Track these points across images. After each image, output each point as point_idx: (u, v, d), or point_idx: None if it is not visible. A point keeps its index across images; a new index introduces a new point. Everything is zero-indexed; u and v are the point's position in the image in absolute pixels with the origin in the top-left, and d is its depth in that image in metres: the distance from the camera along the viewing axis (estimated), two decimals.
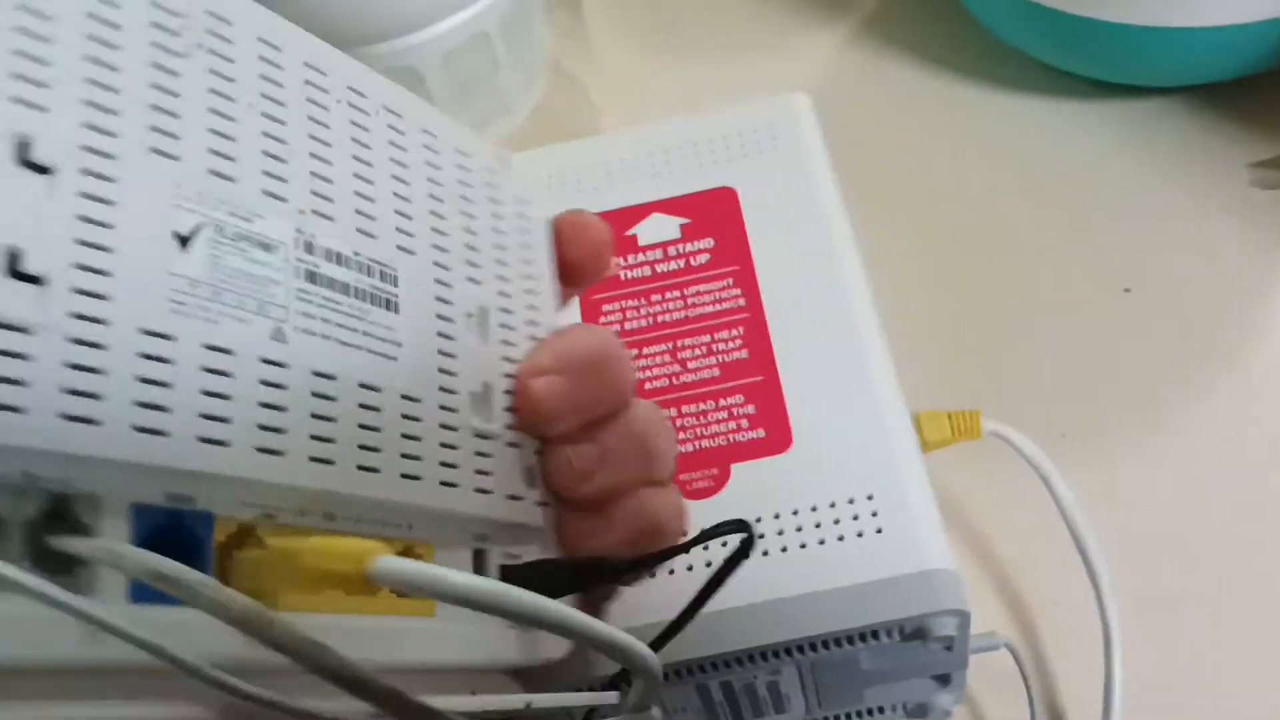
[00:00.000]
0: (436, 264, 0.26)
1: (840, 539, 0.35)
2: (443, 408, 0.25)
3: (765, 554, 0.35)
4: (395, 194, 0.25)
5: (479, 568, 0.26)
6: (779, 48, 0.59)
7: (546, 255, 0.30)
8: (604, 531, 0.28)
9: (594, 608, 0.31)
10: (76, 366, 0.19)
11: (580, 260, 0.30)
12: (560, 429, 0.27)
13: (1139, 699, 0.39)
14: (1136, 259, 0.50)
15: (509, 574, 0.27)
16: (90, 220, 0.20)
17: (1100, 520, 0.41)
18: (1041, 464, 0.40)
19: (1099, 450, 0.45)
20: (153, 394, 0.20)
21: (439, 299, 0.26)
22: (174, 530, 0.21)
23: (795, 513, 0.35)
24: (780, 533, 0.35)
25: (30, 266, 0.19)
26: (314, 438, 0.23)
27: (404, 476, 0.24)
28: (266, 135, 0.23)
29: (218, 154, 0.22)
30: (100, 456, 0.19)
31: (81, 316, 0.19)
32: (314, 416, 0.23)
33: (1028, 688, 0.40)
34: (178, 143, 0.21)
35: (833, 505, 0.35)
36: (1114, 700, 0.39)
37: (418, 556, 0.25)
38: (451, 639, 0.25)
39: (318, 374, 0.23)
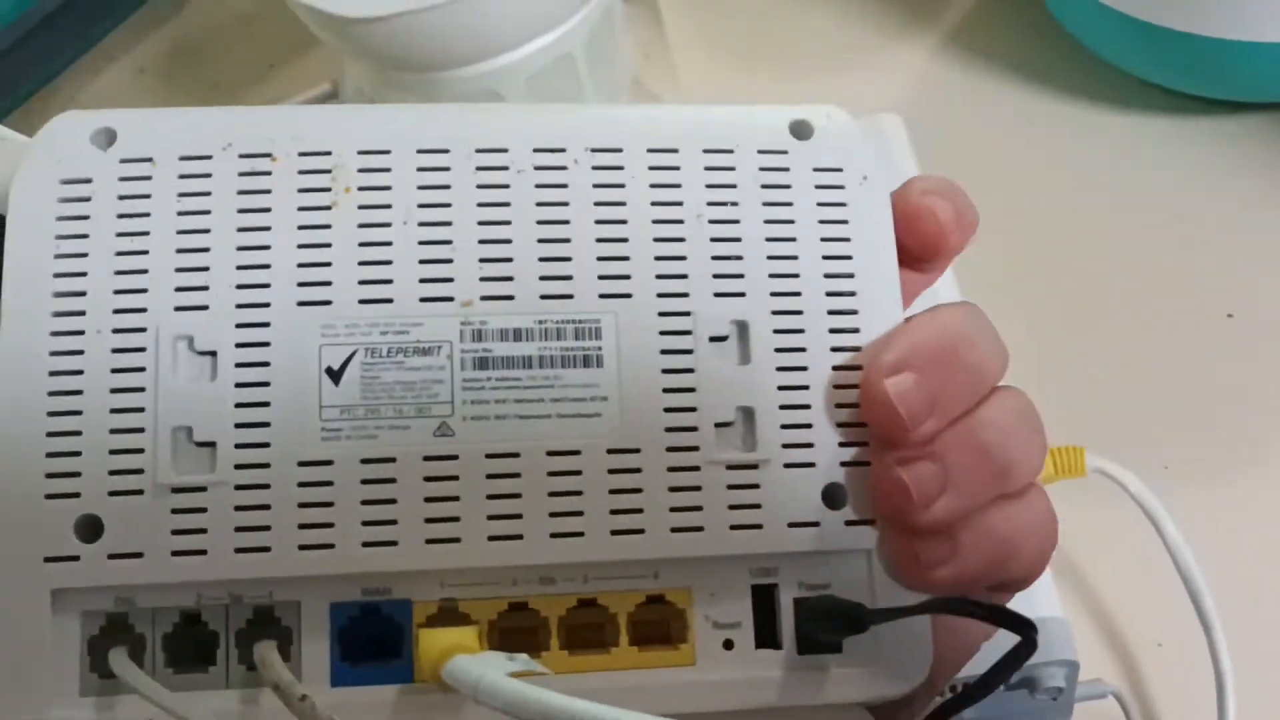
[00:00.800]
0: (662, 295, 0.24)
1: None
2: (672, 449, 0.24)
3: None
4: (600, 240, 0.24)
5: (764, 605, 0.24)
6: (864, 63, 0.58)
7: (877, 234, 0.26)
8: (945, 561, 0.24)
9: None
10: (244, 507, 0.23)
11: (912, 250, 0.26)
12: (922, 433, 0.24)
13: None
14: (1240, 283, 0.48)
15: (801, 609, 0.24)
16: (246, 384, 0.23)
17: (1207, 556, 0.39)
18: (1149, 503, 0.38)
19: (1204, 482, 0.44)
20: (316, 515, 0.23)
21: (666, 332, 0.24)
22: (373, 619, 0.23)
23: None
24: None
25: (199, 437, 0.23)
26: (493, 517, 0.23)
27: (617, 533, 0.23)
28: (425, 243, 0.24)
29: (369, 282, 0.24)
30: (273, 577, 0.23)
31: (245, 466, 0.23)
32: (492, 497, 0.23)
33: None
34: (327, 288, 0.24)
35: None
36: None
37: (669, 606, 0.24)
38: (715, 688, 0.24)
39: (493, 455, 0.23)
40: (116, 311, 0.23)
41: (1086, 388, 0.47)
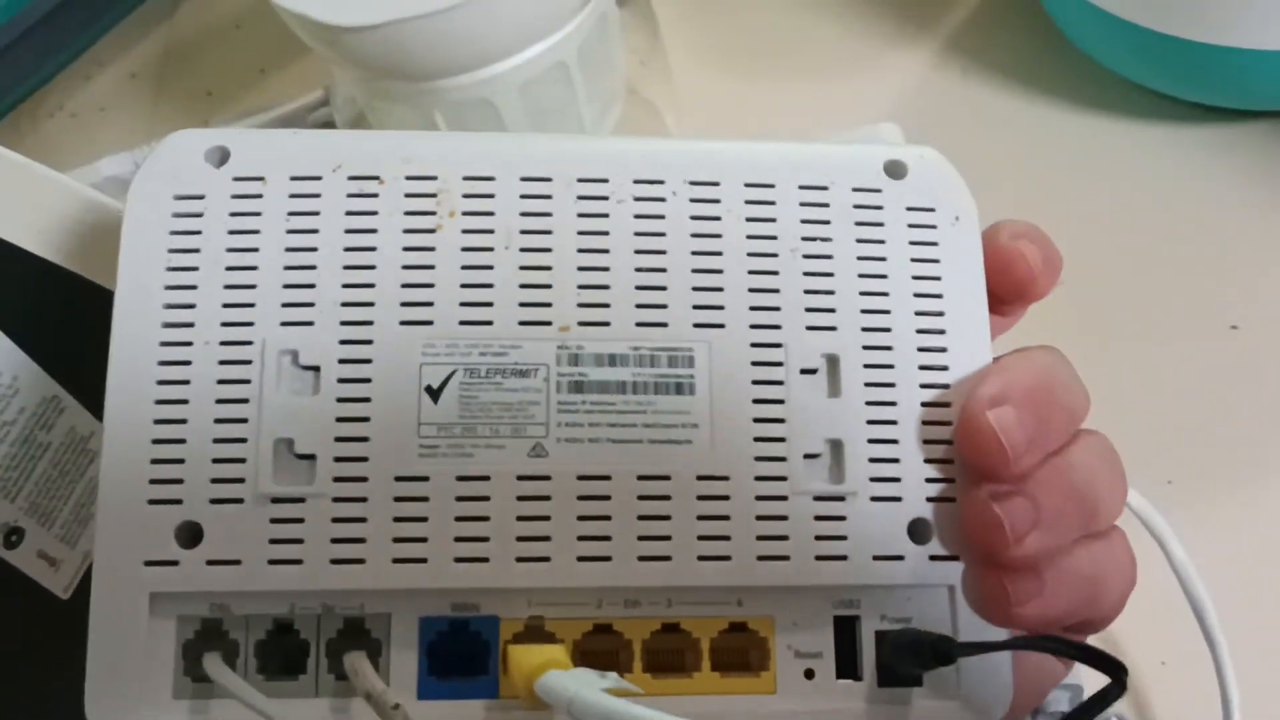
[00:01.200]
0: (755, 326, 0.25)
1: None
2: (761, 478, 0.24)
3: None
4: (696, 270, 0.25)
5: (846, 636, 0.25)
6: (862, 70, 0.57)
7: (969, 274, 0.26)
8: (1033, 598, 0.24)
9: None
10: (341, 520, 0.23)
11: (998, 294, 0.26)
12: (1020, 467, 0.24)
13: None
14: (1244, 294, 0.48)
15: (883, 642, 0.25)
16: (348, 399, 0.24)
17: (1212, 573, 0.38)
18: (1153, 520, 0.38)
19: (1207, 498, 0.43)
20: (411, 529, 0.23)
21: (757, 363, 0.25)
22: (461, 635, 0.24)
23: None
24: None
25: (300, 449, 0.23)
26: (583, 538, 0.24)
27: (703, 559, 0.24)
28: (525, 268, 0.25)
29: (470, 304, 0.24)
30: (365, 589, 0.23)
31: (343, 479, 0.23)
32: (582, 519, 0.24)
33: None
34: (428, 309, 0.24)
35: None
36: None
37: (751, 633, 0.24)
38: (796, 717, 0.24)
39: (585, 477, 0.24)
40: (225, 325, 0.24)
41: None
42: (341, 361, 0.24)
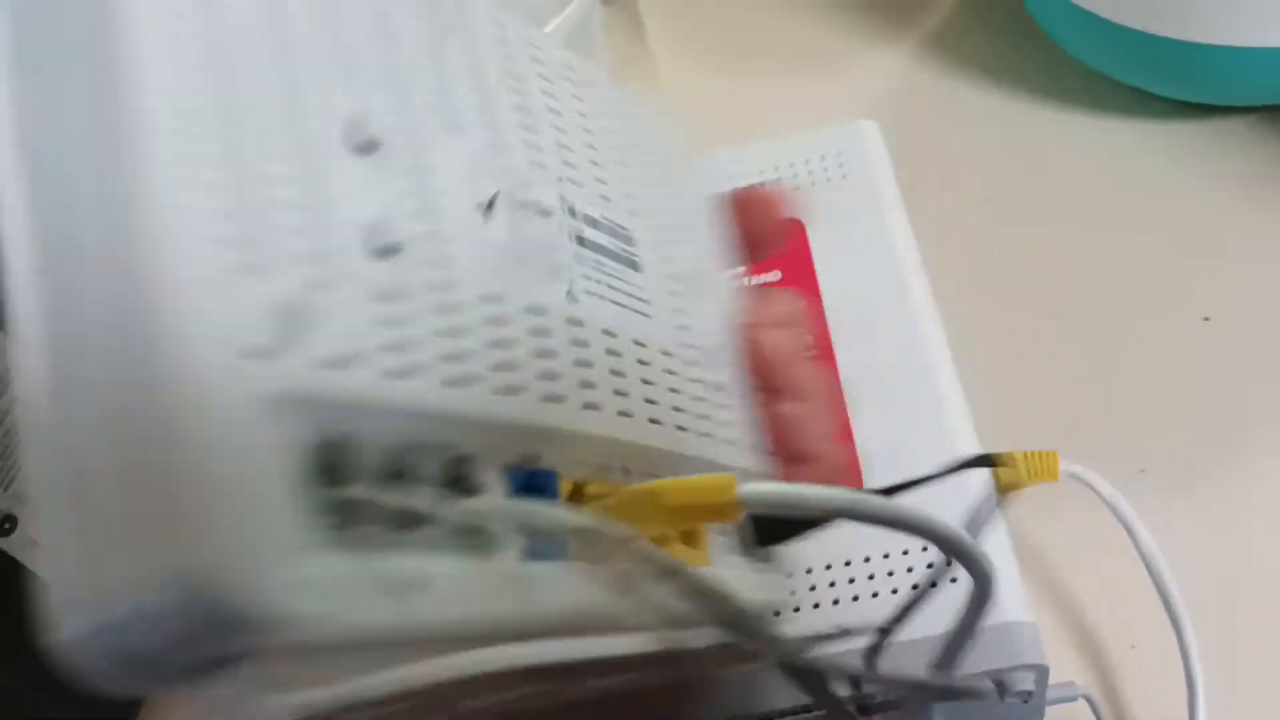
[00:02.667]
0: (657, 226, 0.26)
1: (914, 589, 0.34)
2: (690, 363, 0.25)
3: (836, 603, 0.34)
4: (616, 161, 0.26)
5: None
6: (843, 69, 0.58)
7: (728, 227, 0.29)
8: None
9: None
10: (445, 333, 0.19)
11: (759, 234, 0.30)
12: (781, 382, 0.27)
13: None
14: (1216, 286, 0.49)
15: (758, 521, 0.26)
16: (419, 193, 0.20)
17: (1180, 561, 0.39)
18: (1121, 507, 0.39)
19: (1179, 486, 0.44)
20: (506, 356, 0.20)
21: (664, 259, 0.26)
22: (533, 488, 0.21)
23: (867, 560, 0.34)
24: (851, 580, 0.34)
25: (382, 240, 0.19)
26: (617, 393, 0.23)
27: (678, 429, 0.24)
28: (518, 109, 0.23)
29: (490, 127, 0.22)
30: (480, 417, 0.19)
31: (434, 286, 0.19)
32: (612, 373, 0.23)
33: None
34: (460, 120, 0.22)
35: (905, 553, 0.34)
36: None
37: None
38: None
39: (606, 332, 0.23)
40: None
41: (1061, 391, 0.47)
42: (405, 151, 0.20)
